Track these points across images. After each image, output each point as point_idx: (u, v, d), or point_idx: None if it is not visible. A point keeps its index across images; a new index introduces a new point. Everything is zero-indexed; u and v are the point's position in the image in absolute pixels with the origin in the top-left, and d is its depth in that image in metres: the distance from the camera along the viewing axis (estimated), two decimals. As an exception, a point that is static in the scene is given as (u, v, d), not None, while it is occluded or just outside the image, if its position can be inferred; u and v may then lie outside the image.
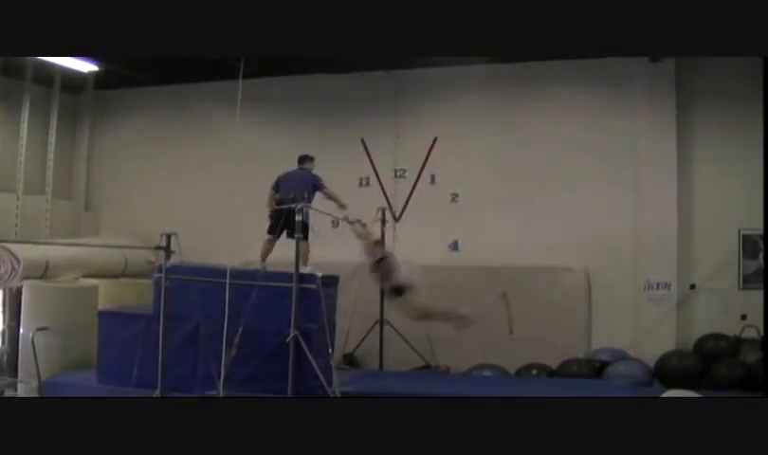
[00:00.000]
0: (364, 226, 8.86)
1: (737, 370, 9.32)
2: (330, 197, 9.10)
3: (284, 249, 8.52)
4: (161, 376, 7.09)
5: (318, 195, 9.14)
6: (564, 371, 9.86)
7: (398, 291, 8.21)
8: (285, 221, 8.47)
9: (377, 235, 9.37)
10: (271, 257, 8.98)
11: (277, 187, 9.04)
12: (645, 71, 10.35)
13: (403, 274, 8.25)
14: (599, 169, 10.60)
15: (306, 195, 8.66)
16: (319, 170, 9.35)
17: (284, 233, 8.73)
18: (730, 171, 10.11)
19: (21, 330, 9.32)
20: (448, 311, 8.48)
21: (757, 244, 10.05)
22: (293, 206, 8.11)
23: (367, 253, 8.57)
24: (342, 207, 9.03)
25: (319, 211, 8.92)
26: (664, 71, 10.27)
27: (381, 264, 8.27)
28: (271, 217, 8.89)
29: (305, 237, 8.29)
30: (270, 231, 8.97)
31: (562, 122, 10.79)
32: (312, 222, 8.50)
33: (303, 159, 9.32)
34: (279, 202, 8.77)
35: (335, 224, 9.29)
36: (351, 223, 8.66)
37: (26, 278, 9.41)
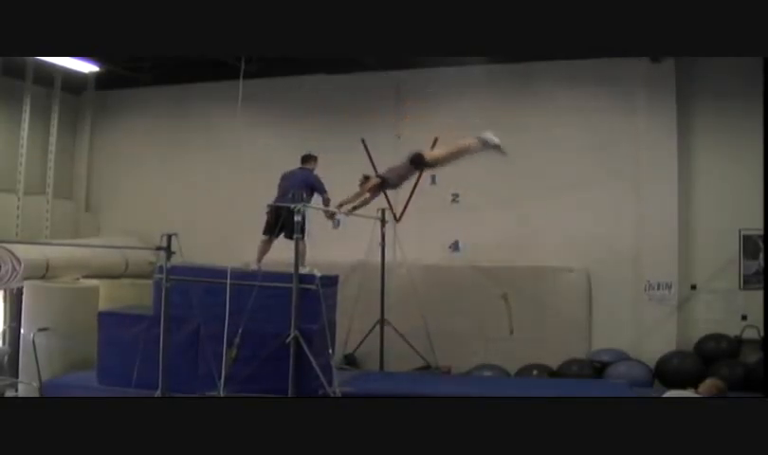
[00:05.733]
0: (352, 209, 8.90)
1: (737, 370, 9.31)
2: (325, 203, 9.03)
3: (283, 250, 8.53)
4: (162, 377, 7.09)
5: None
6: (565, 371, 9.87)
7: (416, 162, 8.41)
8: (283, 221, 8.46)
9: (359, 192, 9.10)
10: (270, 257, 8.97)
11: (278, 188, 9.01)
12: (645, 71, 10.37)
13: (402, 163, 8.48)
14: (599, 169, 10.60)
15: (305, 196, 8.63)
16: (319, 170, 9.34)
17: (281, 234, 8.71)
18: (730, 171, 10.11)
19: (22, 330, 9.33)
20: (471, 143, 8.37)
21: (757, 244, 10.05)
22: (291, 205, 8.09)
23: (374, 193, 8.79)
24: (330, 217, 8.98)
25: (318, 209, 8.89)
26: (664, 71, 10.27)
27: (388, 184, 8.57)
28: (268, 215, 8.86)
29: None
30: (266, 231, 8.95)
31: (562, 122, 10.79)
32: (308, 225, 8.43)
33: (307, 159, 9.26)
34: (276, 201, 8.75)
35: (335, 224, 9.28)
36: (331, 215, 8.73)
37: (26, 278, 9.42)
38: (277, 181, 9.11)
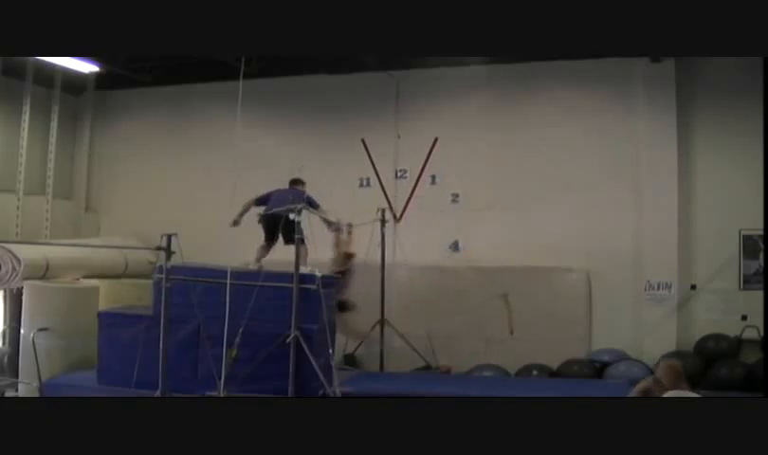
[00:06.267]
0: (350, 233, 9.05)
1: (737, 370, 9.31)
2: (320, 215, 9.05)
3: (284, 251, 8.53)
4: (162, 377, 7.09)
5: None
6: (565, 371, 9.86)
7: (342, 307, 9.13)
8: (278, 226, 8.46)
9: (352, 249, 9.84)
10: (271, 258, 8.98)
11: (266, 200, 9.00)
12: (645, 71, 10.36)
13: (352, 293, 9.20)
14: (599, 169, 10.59)
15: (305, 198, 8.64)
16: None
17: (281, 239, 8.72)
18: (730, 171, 10.10)
19: (22, 330, 9.31)
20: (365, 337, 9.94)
21: (757, 244, 10.04)
22: (292, 208, 8.08)
23: (335, 260, 9.31)
24: (329, 223, 9.01)
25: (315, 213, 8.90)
26: (664, 71, 10.26)
27: (343, 276, 9.08)
28: (262, 224, 8.89)
29: (303, 240, 8.27)
30: (267, 239, 8.97)
31: (562, 122, 10.79)
32: (307, 230, 8.41)
33: (295, 182, 9.33)
34: (270, 208, 8.77)
35: (332, 228, 9.31)
36: (330, 224, 8.93)
37: (26, 278, 9.42)
38: (277, 182, 9.15)
